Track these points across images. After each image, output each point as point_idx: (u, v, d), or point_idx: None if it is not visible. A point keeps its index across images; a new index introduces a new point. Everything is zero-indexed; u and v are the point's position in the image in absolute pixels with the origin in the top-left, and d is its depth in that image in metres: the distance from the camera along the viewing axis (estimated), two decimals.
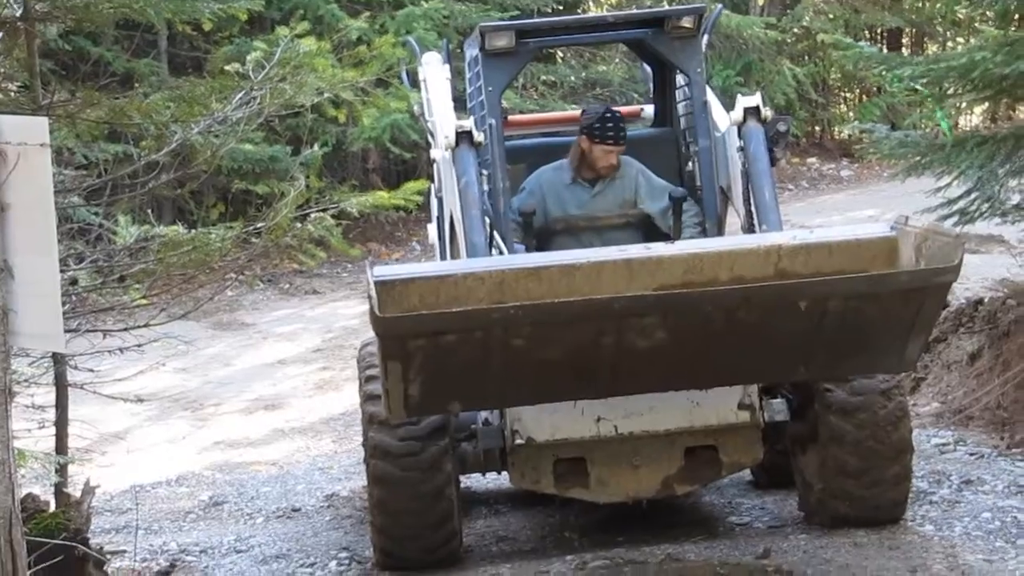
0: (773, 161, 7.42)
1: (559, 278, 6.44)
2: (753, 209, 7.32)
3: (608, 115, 8.20)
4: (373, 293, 5.94)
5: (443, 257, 8.48)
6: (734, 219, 7.79)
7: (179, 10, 8.11)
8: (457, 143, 7.37)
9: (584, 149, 8.13)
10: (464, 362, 6.14)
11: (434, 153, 8.21)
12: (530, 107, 19.75)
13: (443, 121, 8.04)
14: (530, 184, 8.25)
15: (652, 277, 6.43)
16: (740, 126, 7.48)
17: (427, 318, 6.06)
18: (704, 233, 7.93)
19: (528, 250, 7.93)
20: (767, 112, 7.49)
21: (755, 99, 7.55)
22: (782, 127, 7.53)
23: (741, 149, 7.44)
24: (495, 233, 7.35)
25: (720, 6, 9.10)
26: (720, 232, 7.91)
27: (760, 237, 6.86)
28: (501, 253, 7.30)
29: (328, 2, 19.25)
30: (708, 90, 8.18)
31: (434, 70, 8.99)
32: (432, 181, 8.57)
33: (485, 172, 7.50)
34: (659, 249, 6.57)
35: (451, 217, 7.78)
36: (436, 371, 6.15)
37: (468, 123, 7.46)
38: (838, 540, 7.04)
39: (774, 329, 6.25)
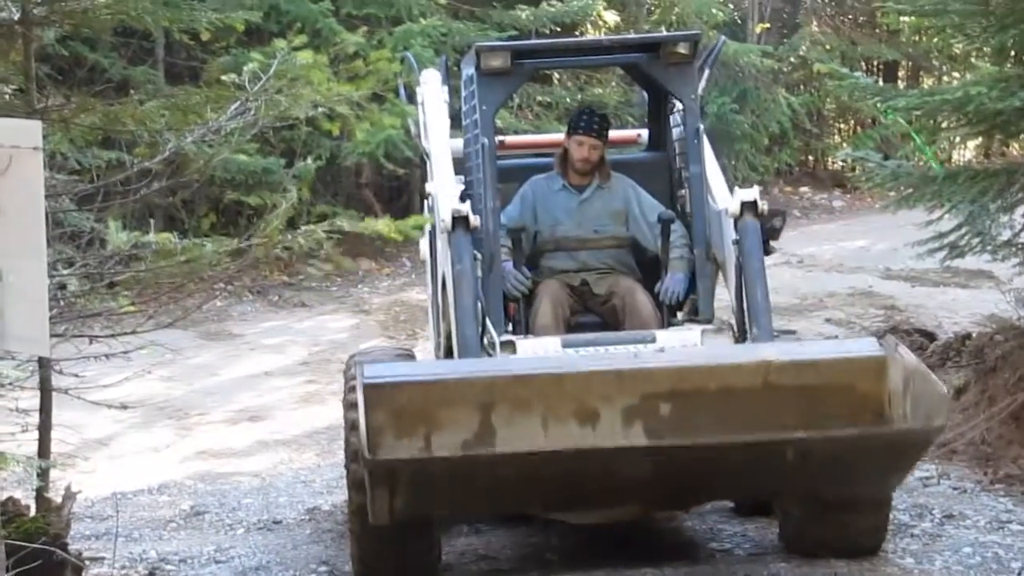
0: (767, 251, 7.47)
1: (548, 385, 6.52)
2: (745, 307, 7.37)
3: (585, 110, 8.38)
4: (362, 416, 6.13)
5: (433, 293, 8.52)
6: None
7: (177, 19, 8.12)
8: (453, 227, 7.39)
9: (566, 148, 8.29)
10: (451, 488, 6.52)
11: (428, 187, 8.23)
12: (525, 128, 19.76)
13: (440, 174, 8.10)
14: (522, 191, 8.38)
15: (640, 386, 6.51)
16: (736, 219, 7.49)
17: (416, 461, 6.26)
18: (691, 254, 7.98)
19: (517, 268, 7.99)
20: (763, 206, 7.50)
21: (753, 193, 7.55)
22: (777, 223, 7.58)
23: (736, 242, 7.46)
24: (487, 320, 7.39)
25: (723, 38, 9.10)
26: (707, 259, 7.94)
27: (750, 350, 6.88)
28: (492, 343, 7.37)
29: (326, 16, 19.25)
30: (712, 160, 8.19)
31: (432, 92, 9.01)
32: (424, 198, 8.60)
33: (478, 255, 7.53)
34: (647, 359, 6.62)
35: (443, 279, 7.83)
36: (423, 492, 6.50)
37: (465, 208, 7.46)
38: (818, 570, 7.04)
39: (760, 468, 6.63)
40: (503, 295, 7.86)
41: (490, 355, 7.30)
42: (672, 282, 8.01)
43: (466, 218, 7.38)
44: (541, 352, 7.36)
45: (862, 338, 6.97)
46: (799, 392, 6.44)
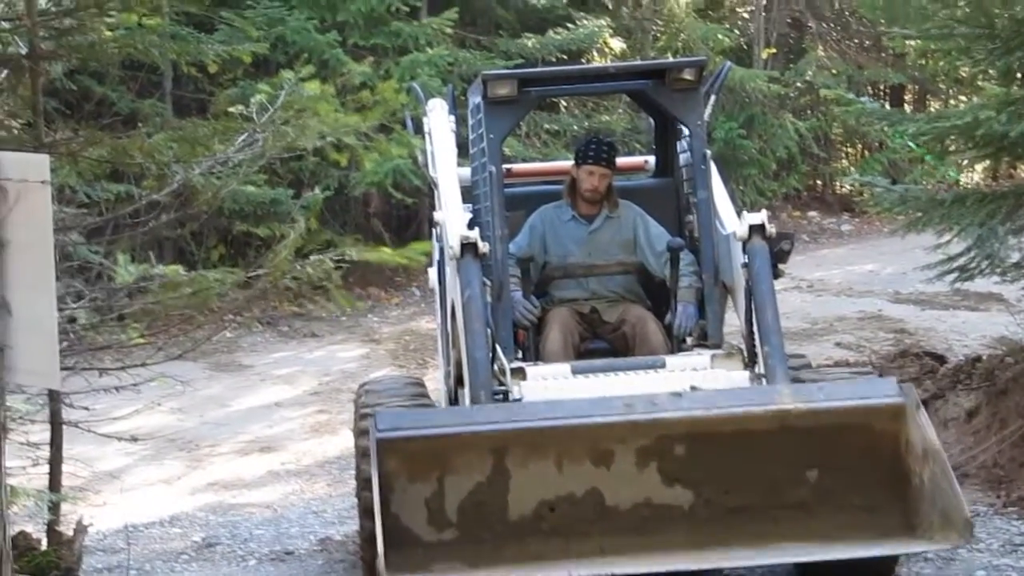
0: (776, 275, 7.46)
1: (563, 438, 6.52)
2: (755, 330, 7.34)
3: (593, 139, 8.39)
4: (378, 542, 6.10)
5: (443, 321, 8.53)
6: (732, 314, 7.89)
7: (184, 51, 8.17)
8: (462, 254, 7.39)
9: (574, 177, 8.31)
10: None
11: (437, 216, 8.24)
12: (533, 155, 19.78)
13: (448, 205, 8.10)
14: (531, 221, 8.39)
15: (655, 432, 6.50)
16: (745, 243, 7.48)
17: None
18: (700, 282, 7.98)
19: (526, 297, 8.00)
20: (772, 229, 7.50)
21: (760, 216, 7.55)
22: (786, 246, 7.58)
23: (745, 265, 7.45)
24: (497, 347, 7.38)
25: (728, 63, 9.11)
26: (716, 283, 7.93)
27: (767, 395, 6.81)
28: (503, 369, 7.36)
29: (333, 47, 19.30)
30: (720, 185, 8.20)
31: (439, 121, 9.03)
32: (433, 227, 8.60)
33: (487, 282, 7.53)
34: (664, 405, 6.58)
35: (453, 306, 7.82)
36: None
37: (474, 234, 7.45)
38: None
39: None
40: (512, 323, 7.86)
41: (501, 382, 7.29)
42: (683, 316, 7.99)
43: (475, 244, 7.38)
44: (551, 378, 7.37)
45: (883, 380, 6.89)
46: (815, 433, 6.45)
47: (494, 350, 7.32)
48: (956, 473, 9.50)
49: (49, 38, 7.56)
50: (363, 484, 7.11)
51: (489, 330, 7.28)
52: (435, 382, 10.60)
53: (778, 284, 7.50)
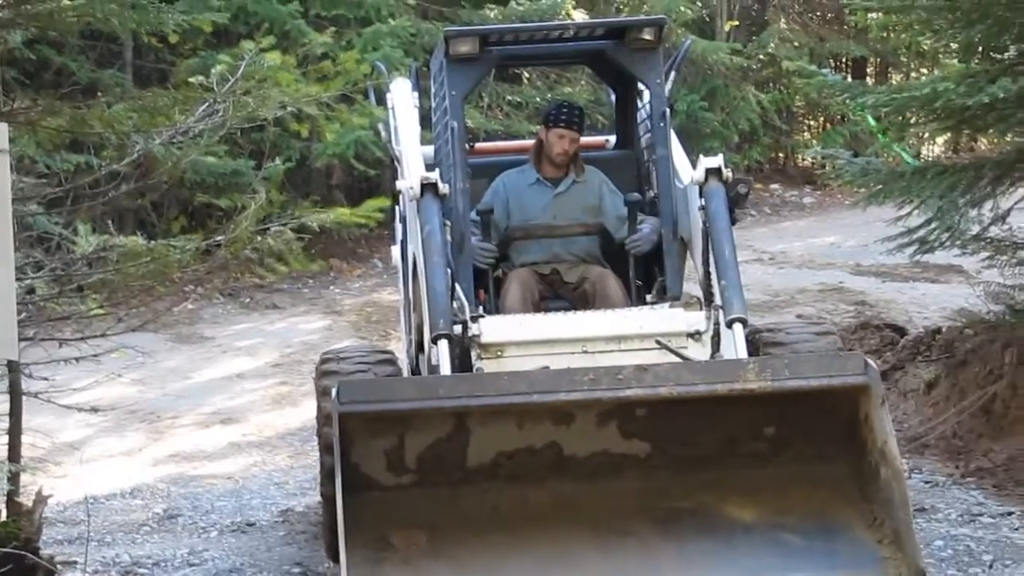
0: (733, 220, 7.49)
1: (525, 408, 6.51)
2: (712, 268, 7.37)
3: (564, 102, 8.45)
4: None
5: (405, 293, 8.51)
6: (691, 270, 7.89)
7: (144, 21, 8.10)
8: (422, 194, 7.41)
9: (541, 140, 8.34)
10: None
11: (399, 184, 8.23)
12: (495, 127, 19.77)
13: (411, 169, 8.10)
14: (495, 185, 8.41)
15: (617, 401, 6.50)
16: (702, 185, 7.52)
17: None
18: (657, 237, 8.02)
19: (487, 247, 8.01)
20: (728, 173, 7.55)
21: (717, 160, 7.59)
22: (742, 189, 7.62)
23: (702, 208, 7.48)
24: (456, 284, 7.39)
25: (690, 39, 9.18)
26: (674, 238, 7.95)
27: (733, 371, 6.61)
28: (461, 304, 7.38)
29: (295, 17, 19.20)
30: (676, 143, 8.21)
31: (402, 97, 9.04)
32: (395, 202, 8.59)
33: (448, 222, 7.54)
34: (629, 381, 6.51)
35: (414, 259, 7.82)
36: None
37: (434, 175, 7.50)
38: None
39: None
40: (473, 278, 7.86)
41: (461, 321, 7.29)
42: (642, 236, 8.02)
43: (435, 184, 7.43)
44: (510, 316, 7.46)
45: (850, 356, 6.88)
46: (776, 398, 6.46)
47: (453, 288, 7.34)
48: (916, 444, 9.63)
49: (7, 6, 7.49)
50: (324, 420, 7.21)
51: (449, 270, 7.30)
52: (399, 353, 10.61)
53: (740, 257, 7.52)
